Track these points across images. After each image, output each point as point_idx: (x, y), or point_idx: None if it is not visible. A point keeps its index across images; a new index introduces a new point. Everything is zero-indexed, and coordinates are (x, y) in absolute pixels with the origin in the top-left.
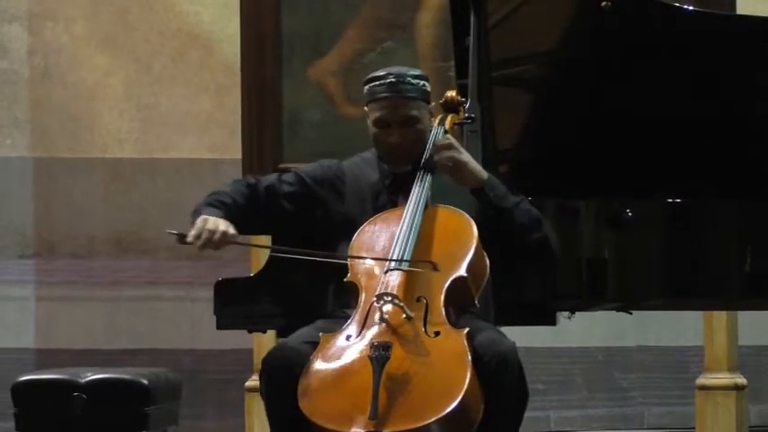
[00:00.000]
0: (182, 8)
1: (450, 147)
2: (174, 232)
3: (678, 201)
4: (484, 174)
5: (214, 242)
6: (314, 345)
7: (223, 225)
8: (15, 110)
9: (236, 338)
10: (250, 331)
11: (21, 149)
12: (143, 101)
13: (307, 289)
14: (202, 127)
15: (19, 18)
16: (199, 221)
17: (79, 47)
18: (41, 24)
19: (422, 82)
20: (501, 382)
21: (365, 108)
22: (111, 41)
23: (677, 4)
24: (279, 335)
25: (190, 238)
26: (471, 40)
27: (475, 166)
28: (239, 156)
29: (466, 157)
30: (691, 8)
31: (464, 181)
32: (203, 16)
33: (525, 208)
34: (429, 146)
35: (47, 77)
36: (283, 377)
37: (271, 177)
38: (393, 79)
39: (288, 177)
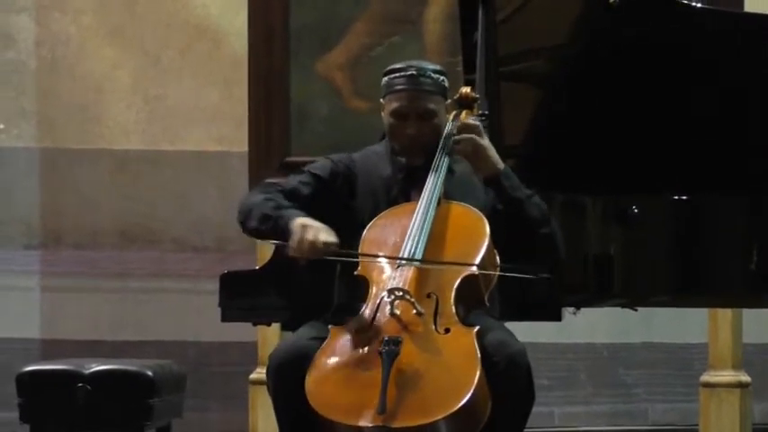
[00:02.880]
0: (189, 0)
1: (474, 129)
2: (276, 242)
3: (684, 198)
4: (501, 163)
5: (318, 252)
6: (321, 340)
7: (324, 234)
8: (22, 100)
9: (240, 331)
10: (255, 324)
11: (27, 140)
12: (150, 93)
13: (312, 282)
14: (210, 119)
15: (27, 9)
16: (296, 228)
17: (87, 38)
18: (49, 15)
19: (441, 77)
20: (509, 384)
21: (382, 100)
22: (119, 33)
23: (686, 1)
24: (283, 328)
25: (293, 252)
26: (479, 35)
27: (493, 153)
28: (246, 148)
29: (487, 142)
30: (699, 5)
31: (481, 166)
32: (211, 9)
33: (536, 202)
34: (442, 141)
35: (54, 68)
36: (291, 372)
37: (291, 182)
38: (413, 72)
39: (304, 178)
